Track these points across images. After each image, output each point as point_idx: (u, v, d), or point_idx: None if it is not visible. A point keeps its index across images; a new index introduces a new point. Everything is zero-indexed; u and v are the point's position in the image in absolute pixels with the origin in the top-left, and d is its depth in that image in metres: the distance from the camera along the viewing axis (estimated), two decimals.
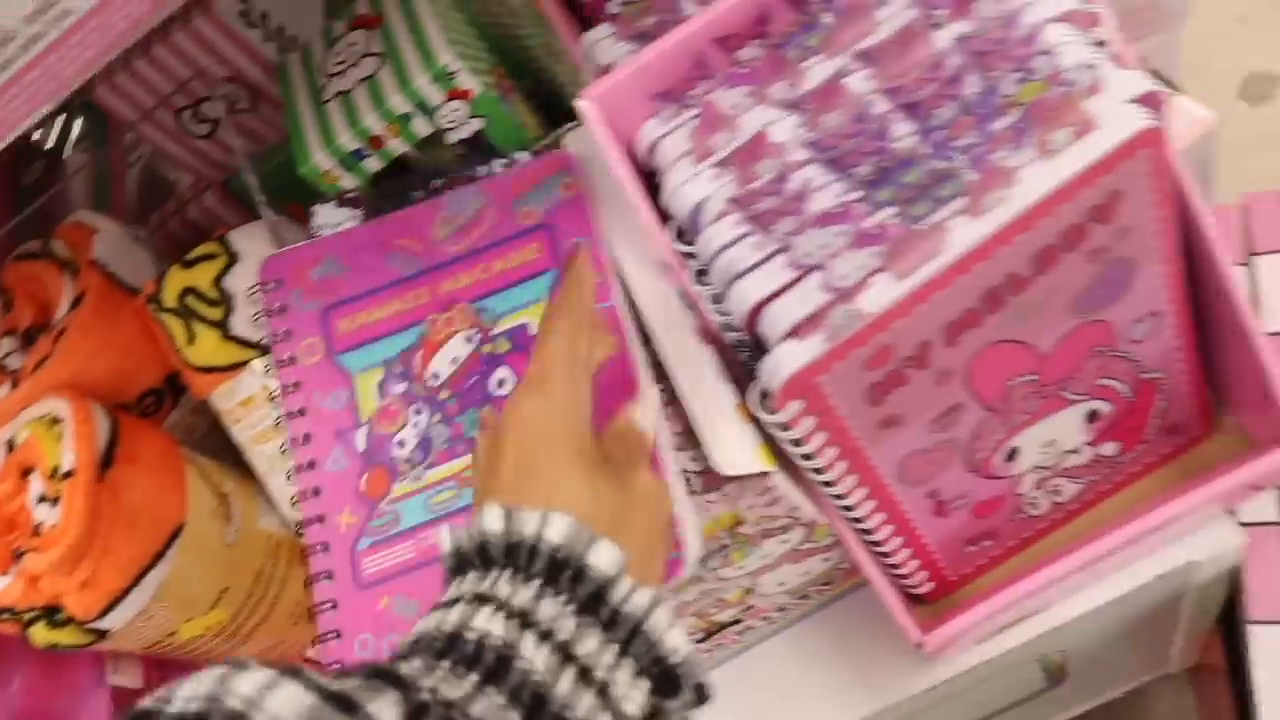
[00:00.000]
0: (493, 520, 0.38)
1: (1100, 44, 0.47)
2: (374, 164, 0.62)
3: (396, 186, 0.62)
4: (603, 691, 0.35)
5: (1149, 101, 0.44)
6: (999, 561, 0.61)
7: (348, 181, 0.62)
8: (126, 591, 0.59)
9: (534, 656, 0.34)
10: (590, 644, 0.36)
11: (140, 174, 0.80)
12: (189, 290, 0.64)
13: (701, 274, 0.52)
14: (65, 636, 0.60)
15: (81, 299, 0.65)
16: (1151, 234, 0.49)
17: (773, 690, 0.63)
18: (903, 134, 0.47)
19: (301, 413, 0.52)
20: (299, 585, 0.69)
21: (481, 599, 0.36)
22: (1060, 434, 0.57)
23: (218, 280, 0.64)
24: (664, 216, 0.54)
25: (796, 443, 0.48)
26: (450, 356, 0.51)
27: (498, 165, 0.58)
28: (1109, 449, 0.59)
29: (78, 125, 0.84)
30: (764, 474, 0.48)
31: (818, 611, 0.64)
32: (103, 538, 0.58)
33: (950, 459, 0.54)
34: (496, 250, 0.54)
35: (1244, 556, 0.62)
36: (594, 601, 0.36)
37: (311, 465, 0.52)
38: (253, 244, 0.64)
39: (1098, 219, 0.47)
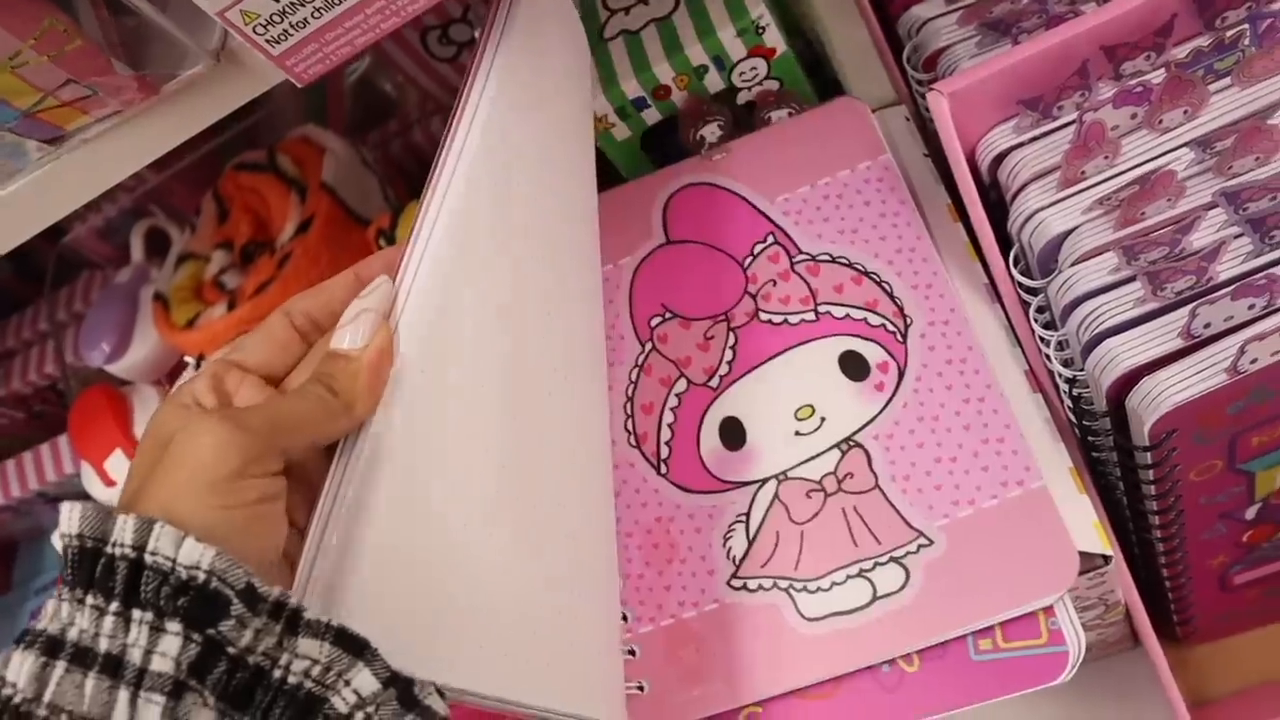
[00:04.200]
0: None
1: None
2: (653, 115, 0.56)
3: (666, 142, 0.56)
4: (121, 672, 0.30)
5: None
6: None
7: (620, 131, 0.56)
8: None
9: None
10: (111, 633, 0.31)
11: (356, 87, 0.74)
12: None
13: (1041, 311, 0.46)
14: None
15: (310, 223, 0.60)
16: None
17: None
18: None
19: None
20: None
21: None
22: None
23: None
24: (1002, 240, 0.47)
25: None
26: None
27: None
28: None
29: None
30: (1104, 558, 0.43)
31: None
32: None
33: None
34: None
35: None
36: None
37: None
38: None
39: None
